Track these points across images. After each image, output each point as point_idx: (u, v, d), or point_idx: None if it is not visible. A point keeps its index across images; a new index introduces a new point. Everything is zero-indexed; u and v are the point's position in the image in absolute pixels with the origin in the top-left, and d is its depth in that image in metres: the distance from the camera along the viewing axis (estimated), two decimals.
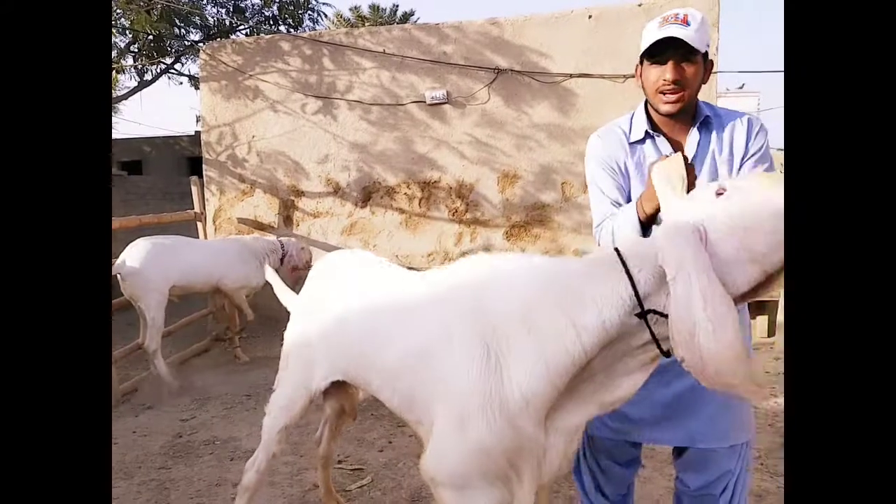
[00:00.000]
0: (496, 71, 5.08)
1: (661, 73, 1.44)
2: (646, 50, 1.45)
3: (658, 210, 1.34)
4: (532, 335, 1.18)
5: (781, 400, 3.60)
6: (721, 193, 1.07)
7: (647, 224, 1.41)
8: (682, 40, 1.39)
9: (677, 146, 1.55)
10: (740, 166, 1.51)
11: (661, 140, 1.55)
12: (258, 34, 7.93)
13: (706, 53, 1.46)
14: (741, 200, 1.04)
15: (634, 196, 1.54)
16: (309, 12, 8.25)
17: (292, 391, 1.79)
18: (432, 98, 5.17)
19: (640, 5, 4.86)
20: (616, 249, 1.17)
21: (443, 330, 1.30)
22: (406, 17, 20.77)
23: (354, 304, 1.62)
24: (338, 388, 1.82)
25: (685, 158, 1.24)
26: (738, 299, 1.05)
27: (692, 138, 1.53)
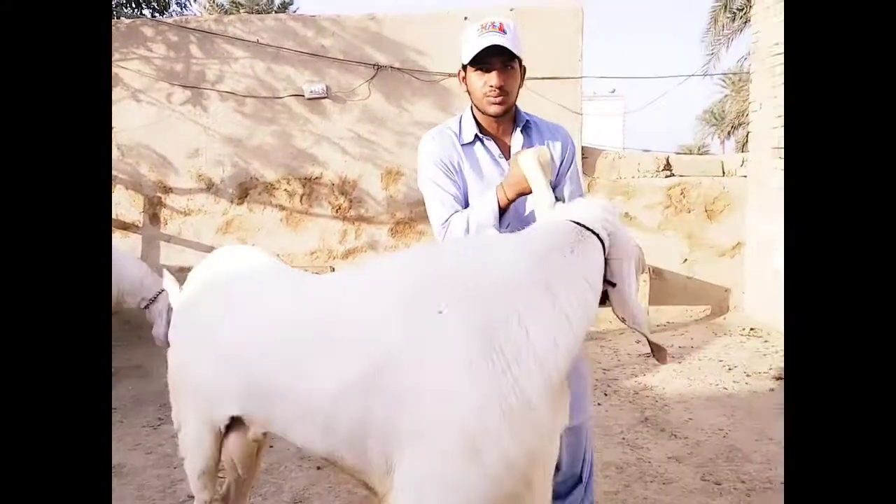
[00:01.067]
0: (376, 67, 5.07)
1: (488, 80, 1.53)
2: (472, 58, 1.52)
3: (518, 195, 1.46)
4: (556, 307, 1.07)
5: (640, 379, 3.96)
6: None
7: (504, 210, 1.50)
8: (505, 48, 1.48)
9: (504, 147, 1.66)
10: (557, 173, 1.67)
11: (489, 142, 1.64)
12: (118, 17, 7.26)
13: (520, 60, 1.58)
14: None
15: (473, 194, 1.61)
16: None
17: (196, 430, 1.51)
18: (311, 92, 5.06)
19: (511, 10, 5.08)
20: (591, 231, 1.21)
21: (412, 334, 1.08)
22: (285, 6, 20.07)
23: (256, 321, 1.35)
24: (235, 429, 1.51)
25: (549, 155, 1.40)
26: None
27: (516, 140, 1.65)
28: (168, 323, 3.43)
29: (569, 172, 1.71)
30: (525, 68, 1.61)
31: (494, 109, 1.57)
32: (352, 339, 1.15)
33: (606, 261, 1.20)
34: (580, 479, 1.73)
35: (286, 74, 5.09)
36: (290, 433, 1.29)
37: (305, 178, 5.21)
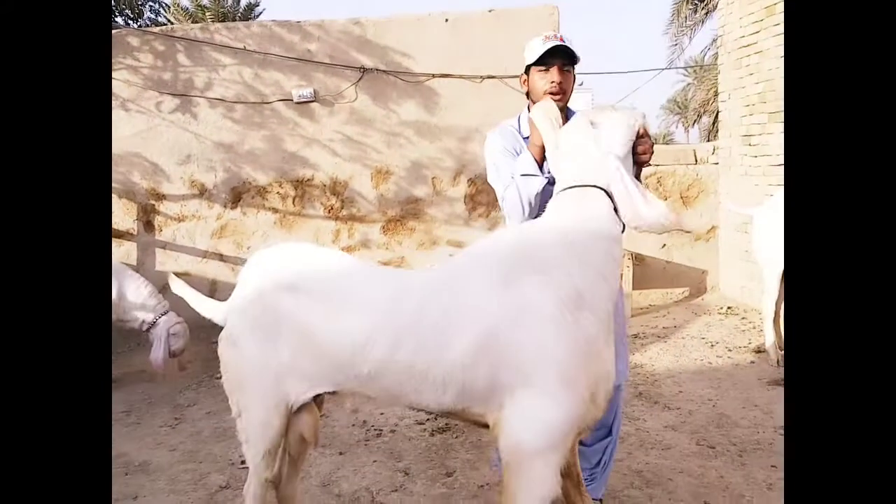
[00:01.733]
0: (362, 70, 5.20)
1: (549, 77, 1.87)
2: (537, 59, 1.87)
3: (542, 146, 1.73)
4: (592, 268, 1.44)
5: (631, 358, 4.18)
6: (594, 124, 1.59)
7: (541, 162, 1.80)
8: (565, 49, 1.85)
9: None
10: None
11: None
12: None
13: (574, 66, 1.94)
14: (608, 125, 1.57)
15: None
16: (150, 3, 7.68)
17: (264, 413, 1.63)
18: (300, 96, 5.16)
19: (490, 11, 5.26)
20: (596, 186, 1.52)
21: (504, 302, 1.40)
22: (250, 10, 19.88)
23: (362, 314, 1.51)
24: (304, 408, 1.68)
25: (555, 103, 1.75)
26: None
27: None
28: (166, 347, 3.57)
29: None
30: (576, 76, 1.97)
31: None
32: (460, 315, 1.43)
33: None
34: (610, 432, 2.02)
35: (274, 80, 5.19)
36: (420, 399, 1.51)
37: (297, 181, 5.32)
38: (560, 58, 1.87)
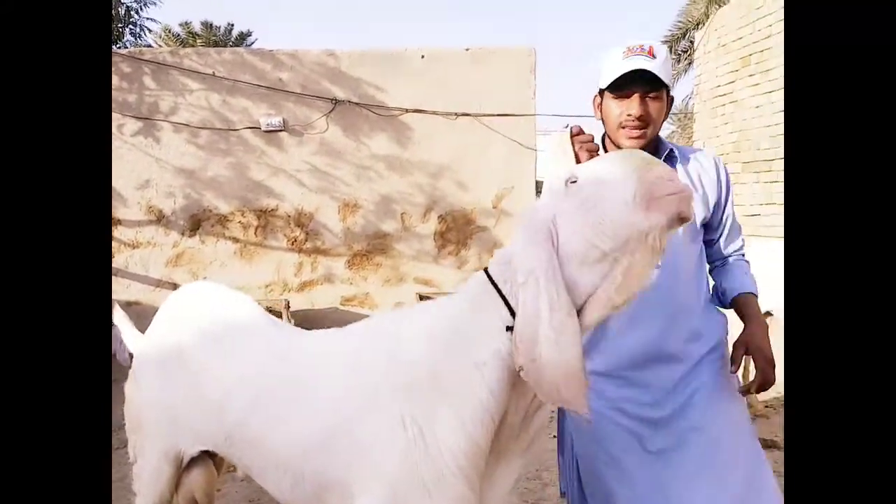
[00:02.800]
0: (334, 101, 5.10)
1: (626, 108, 1.36)
2: (611, 83, 1.37)
3: None
4: (441, 391, 1.07)
5: None
6: (574, 182, 1.02)
7: None
8: (649, 72, 1.32)
9: None
10: (713, 212, 1.47)
11: None
12: None
13: (668, 88, 1.40)
14: (591, 191, 0.99)
15: None
16: (130, 27, 7.60)
17: (156, 460, 1.52)
18: (268, 125, 5.04)
19: (467, 50, 5.23)
20: (485, 270, 1.11)
21: (357, 402, 1.16)
22: (242, 38, 20.01)
23: (232, 365, 1.40)
24: (198, 464, 1.57)
25: (576, 131, 1.26)
26: (584, 319, 1.01)
27: None
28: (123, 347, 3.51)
29: (726, 207, 1.49)
30: (672, 98, 1.45)
31: (630, 143, 1.37)
32: (315, 401, 1.24)
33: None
34: None
35: (242, 107, 5.06)
36: (263, 480, 1.35)
37: (261, 210, 5.15)
38: (641, 85, 1.34)
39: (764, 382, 1.37)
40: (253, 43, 19.92)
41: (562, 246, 1.00)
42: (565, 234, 1.00)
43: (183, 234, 5.08)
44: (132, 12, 7.49)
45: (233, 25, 20.00)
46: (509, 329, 1.03)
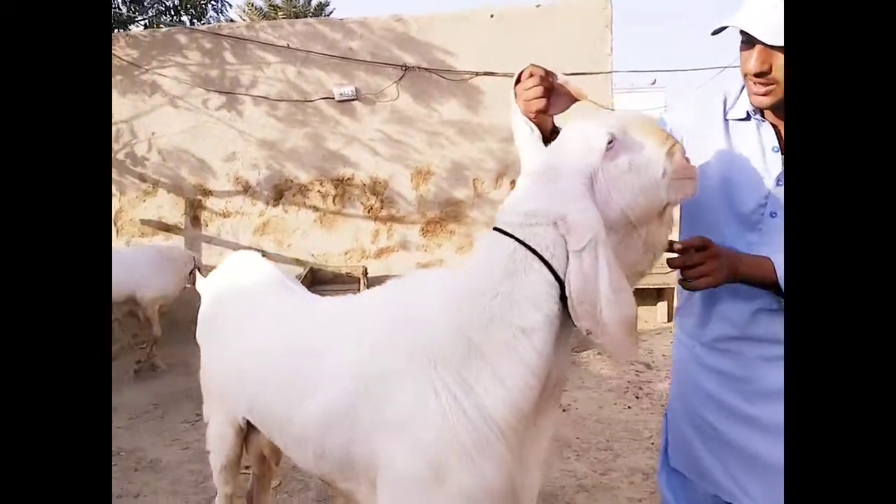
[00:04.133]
0: (404, 68, 5.11)
1: (748, 58, 1.13)
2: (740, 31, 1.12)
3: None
4: (479, 357, 1.03)
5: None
6: (611, 144, 0.99)
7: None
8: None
9: (782, 140, 1.20)
10: None
11: (765, 127, 1.21)
12: (157, 25, 7.53)
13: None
14: (630, 159, 0.99)
15: (725, 187, 1.24)
16: (212, 2, 7.91)
17: (219, 425, 1.61)
18: (341, 94, 5.14)
19: (538, 6, 5.03)
20: (504, 232, 1.03)
21: (378, 369, 1.11)
22: (321, 8, 20.31)
23: (258, 344, 1.41)
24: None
25: (525, 76, 1.10)
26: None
27: None
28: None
29: None
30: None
31: (756, 101, 1.16)
32: (333, 371, 1.19)
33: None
34: None
35: (316, 78, 5.19)
36: (290, 453, 1.36)
37: (337, 180, 5.31)
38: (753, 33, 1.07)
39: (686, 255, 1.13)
40: (332, 13, 20.19)
41: (599, 207, 0.99)
42: (603, 198, 0.99)
43: (267, 203, 5.35)
44: None
45: None
46: (561, 296, 0.99)
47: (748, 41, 1.13)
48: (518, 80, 1.13)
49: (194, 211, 5.39)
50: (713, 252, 1.11)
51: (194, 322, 1.77)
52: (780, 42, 1.06)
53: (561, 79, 1.12)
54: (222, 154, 5.30)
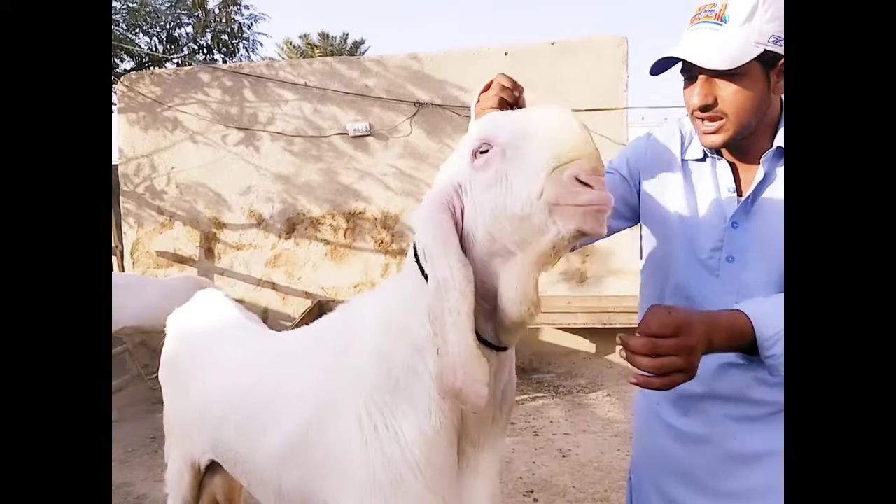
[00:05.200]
0: (417, 104, 5.15)
1: (691, 95, 1.02)
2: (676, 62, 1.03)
3: None
4: (395, 383, 0.98)
5: None
6: (484, 152, 0.85)
7: None
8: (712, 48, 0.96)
9: (741, 178, 1.10)
10: None
11: (721, 167, 1.10)
12: (191, 64, 7.85)
13: (768, 54, 0.96)
14: (499, 172, 0.83)
15: (672, 228, 1.15)
16: (244, 41, 8.21)
17: (177, 467, 1.58)
18: (355, 130, 5.20)
19: (553, 44, 5.03)
20: (414, 249, 0.97)
21: (318, 404, 1.08)
22: (357, 46, 20.94)
23: (209, 375, 1.41)
24: (220, 470, 1.57)
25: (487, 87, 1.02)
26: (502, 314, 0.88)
27: (765, 167, 1.05)
28: None
29: None
30: (778, 67, 0.99)
31: (708, 140, 1.05)
32: (284, 407, 1.15)
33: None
34: None
35: (332, 114, 5.27)
36: (254, 492, 1.32)
37: (349, 213, 5.33)
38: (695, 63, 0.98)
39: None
40: (367, 51, 20.81)
41: (467, 224, 0.87)
42: (470, 213, 0.87)
43: (280, 236, 5.39)
44: (244, 28, 8.07)
45: (347, 35, 21.02)
46: None
47: (689, 77, 1.04)
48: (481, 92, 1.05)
49: (209, 243, 5.47)
50: (689, 342, 0.86)
51: None
52: (724, 66, 0.96)
53: (528, 96, 1.04)
54: (238, 188, 5.40)
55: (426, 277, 0.89)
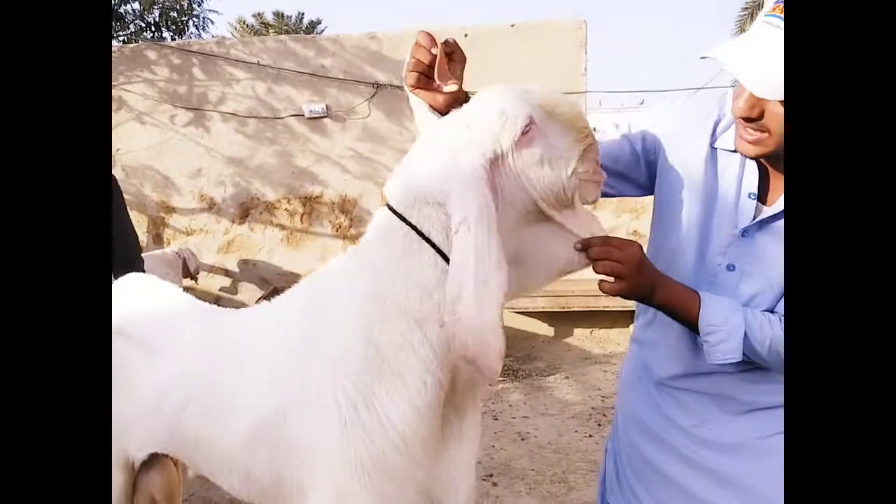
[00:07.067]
0: (376, 85, 5.03)
1: (739, 96, 0.96)
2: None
3: None
4: (380, 358, 0.94)
5: None
6: (527, 132, 0.89)
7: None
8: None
9: (767, 184, 1.05)
10: None
11: (750, 168, 1.04)
12: (137, 41, 7.48)
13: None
14: (544, 150, 0.90)
15: (673, 212, 1.11)
16: (194, 19, 7.86)
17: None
18: (311, 112, 5.05)
19: (512, 26, 4.99)
20: (395, 212, 0.94)
21: (286, 384, 1.04)
22: (313, 26, 20.43)
23: (162, 363, 1.31)
24: (155, 466, 1.47)
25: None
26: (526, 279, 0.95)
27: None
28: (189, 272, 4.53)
29: None
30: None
31: (743, 148, 0.99)
32: (252, 389, 1.10)
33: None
34: None
35: (287, 95, 5.10)
36: (215, 479, 1.27)
37: (306, 198, 5.20)
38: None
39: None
40: (323, 31, 20.32)
41: (504, 195, 0.91)
42: (504, 185, 0.91)
43: (233, 221, 5.22)
44: (193, 4, 7.73)
45: (303, 14, 20.49)
46: None
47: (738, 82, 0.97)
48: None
49: (157, 228, 5.25)
50: (638, 255, 0.97)
51: None
52: (773, 97, 0.89)
53: (450, 42, 1.04)
54: (188, 171, 5.19)
55: (437, 249, 0.91)
